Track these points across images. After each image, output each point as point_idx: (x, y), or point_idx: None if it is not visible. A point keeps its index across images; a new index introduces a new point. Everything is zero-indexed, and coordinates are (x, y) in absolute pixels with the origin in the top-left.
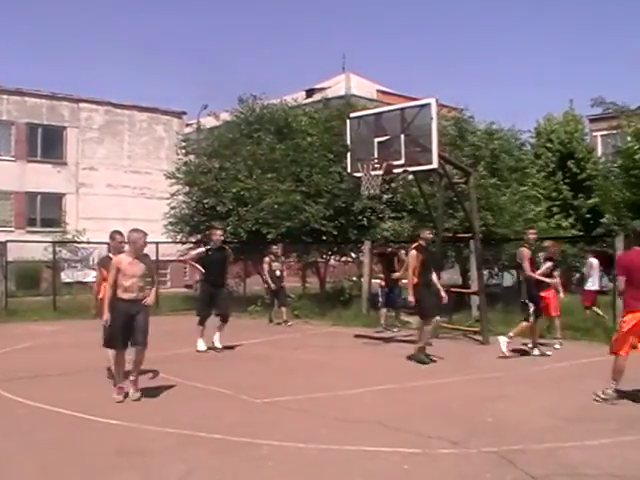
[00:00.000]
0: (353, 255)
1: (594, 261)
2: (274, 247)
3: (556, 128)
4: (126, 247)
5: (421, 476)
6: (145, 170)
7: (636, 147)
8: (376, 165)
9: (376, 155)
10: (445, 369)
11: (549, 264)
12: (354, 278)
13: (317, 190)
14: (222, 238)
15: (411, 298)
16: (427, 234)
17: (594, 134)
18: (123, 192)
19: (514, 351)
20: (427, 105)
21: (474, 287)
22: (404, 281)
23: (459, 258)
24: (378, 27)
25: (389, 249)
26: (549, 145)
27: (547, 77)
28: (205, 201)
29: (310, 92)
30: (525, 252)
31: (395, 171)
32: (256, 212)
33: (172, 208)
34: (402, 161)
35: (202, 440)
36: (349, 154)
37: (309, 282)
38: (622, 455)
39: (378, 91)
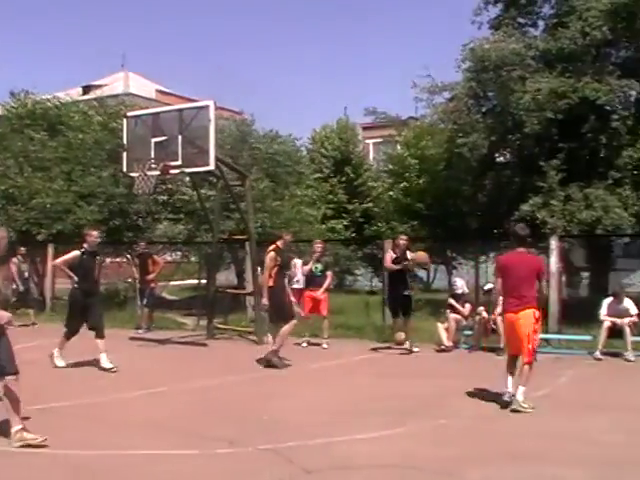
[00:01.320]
0: (128, 257)
1: (298, 261)
2: (21, 248)
3: (332, 135)
4: None
5: (199, 477)
6: None
7: (406, 154)
8: (153, 165)
9: (153, 155)
10: (221, 369)
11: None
12: (129, 279)
13: (91, 191)
14: (98, 240)
15: (265, 301)
16: (289, 237)
17: (367, 141)
18: None
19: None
20: (205, 107)
21: (249, 288)
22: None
23: (235, 259)
24: (157, 27)
25: (146, 250)
26: (323, 151)
27: (321, 87)
28: None
29: (87, 89)
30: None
31: (172, 172)
32: (26, 211)
33: None
34: (179, 162)
35: None
36: (125, 153)
37: None
38: (392, 447)
39: (157, 91)
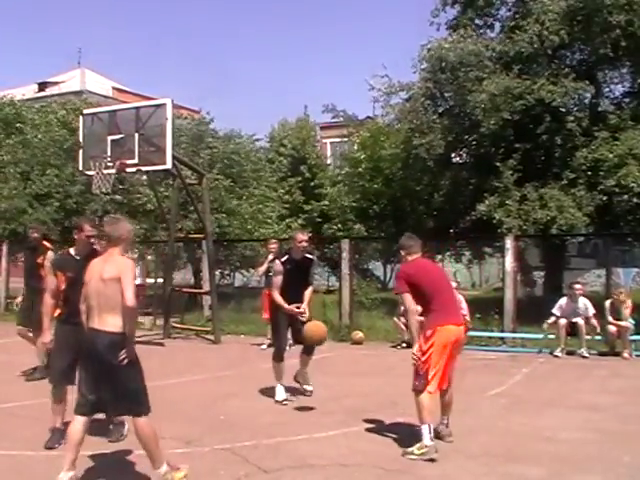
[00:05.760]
0: None
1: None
2: None
3: (289, 134)
4: None
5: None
6: None
7: (362, 157)
8: (109, 164)
9: (109, 153)
10: (178, 369)
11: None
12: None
13: (47, 191)
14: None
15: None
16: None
17: (324, 141)
18: None
19: None
20: (162, 105)
21: (206, 287)
22: None
23: (192, 258)
24: (115, 23)
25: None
26: (282, 150)
27: (284, 85)
28: None
29: (43, 86)
30: None
31: (128, 170)
32: None
33: None
34: (136, 160)
35: None
36: (81, 151)
37: None
38: (348, 445)
39: (114, 88)
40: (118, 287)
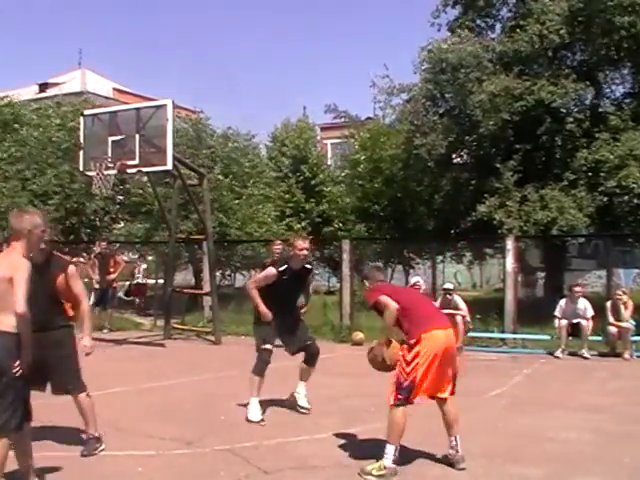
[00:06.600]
0: (85, 256)
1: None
2: None
3: (291, 134)
4: None
5: (156, 478)
6: None
7: (362, 158)
8: (110, 164)
9: (110, 154)
10: (179, 370)
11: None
12: (86, 279)
13: (46, 190)
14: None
15: None
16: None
17: (325, 142)
18: None
19: None
20: (163, 106)
21: (207, 288)
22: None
23: (192, 259)
24: (115, 23)
25: (107, 249)
26: (284, 150)
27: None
28: None
29: (43, 87)
30: None
31: (129, 171)
32: None
33: None
34: (136, 161)
35: None
36: (82, 152)
37: None
38: (348, 446)
39: (114, 89)
40: (9, 287)
